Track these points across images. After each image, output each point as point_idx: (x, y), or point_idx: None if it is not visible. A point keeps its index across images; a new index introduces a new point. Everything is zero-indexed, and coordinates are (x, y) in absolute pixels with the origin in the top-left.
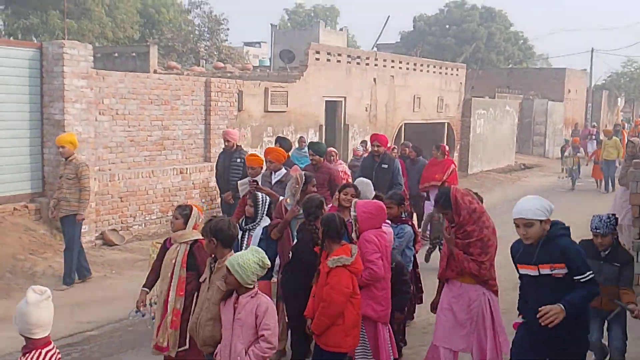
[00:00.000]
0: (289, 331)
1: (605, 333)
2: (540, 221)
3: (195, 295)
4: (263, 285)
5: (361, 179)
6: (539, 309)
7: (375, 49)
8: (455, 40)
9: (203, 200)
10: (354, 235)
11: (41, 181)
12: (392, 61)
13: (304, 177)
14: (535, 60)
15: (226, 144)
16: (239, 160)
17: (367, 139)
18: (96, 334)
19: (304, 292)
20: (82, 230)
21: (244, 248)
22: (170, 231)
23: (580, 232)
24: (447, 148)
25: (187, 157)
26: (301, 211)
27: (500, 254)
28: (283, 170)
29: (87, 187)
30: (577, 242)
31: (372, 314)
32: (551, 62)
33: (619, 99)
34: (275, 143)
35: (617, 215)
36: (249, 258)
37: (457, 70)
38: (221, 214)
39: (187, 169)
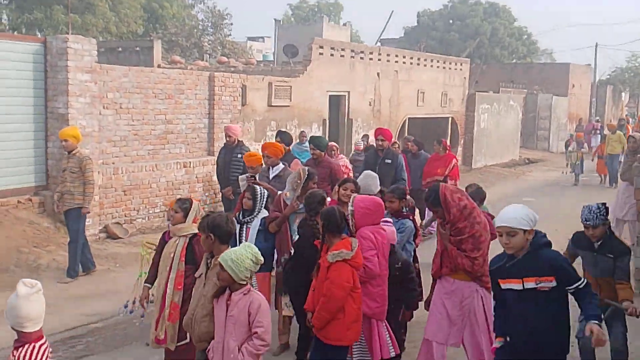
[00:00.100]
0: (291, 325)
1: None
2: (524, 231)
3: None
4: (262, 278)
5: (368, 172)
6: (590, 331)
7: (379, 43)
8: (459, 36)
9: (206, 194)
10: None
11: (45, 174)
12: (396, 56)
13: (306, 173)
14: (539, 55)
15: (227, 139)
16: (239, 155)
17: (371, 133)
18: (100, 326)
19: (306, 288)
20: (86, 224)
21: (243, 241)
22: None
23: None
24: (448, 143)
25: (190, 151)
26: (300, 206)
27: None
28: (281, 165)
29: (91, 180)
30: (571, 235)
31: (367, 310)
32: (555, 57)
33: (623, 94)
34: (276, 137)
35: (620, 211)
36: (242, 254)
37: (461, 65)
38: (223, 208)
39: (190, 162)
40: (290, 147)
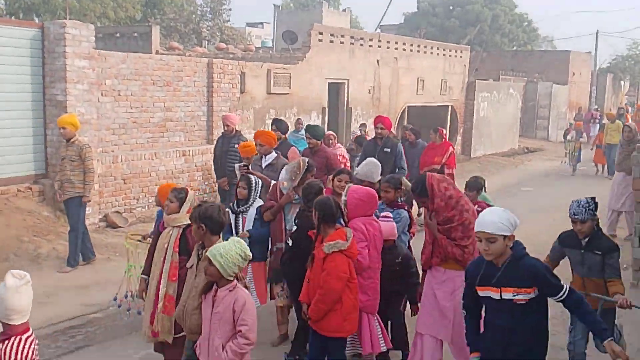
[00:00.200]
0: (289, 315)
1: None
2: (504, 237)
3: None
4: (257, 267)
5: (371, 159)
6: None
7: (378, 30)
8: (459, 22)
9: (206, 183)
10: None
11: (44, 162)
12: (396, 43)
13: (306, 164)
14: (540, 42)
15: (225, 128)
16: (236, 145)
17: (370, 122)
18: (100, 316)
19: (303, 279)
20: (86, 213)
21: (239, 230)
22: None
23: None
24: (444, 131)
25: (189, 139)
26: (296, 197)
27: None
28: (274, 154)
29: (91, 168)
30: (558, 235)
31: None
32: (556, 45)
33: (622, 82)
34: (272, 125)
35: (617, 202)
36: (230, 248)
37: (461, 52)
38: (219, 198)
39: (189, 151)
40: (287, 135)
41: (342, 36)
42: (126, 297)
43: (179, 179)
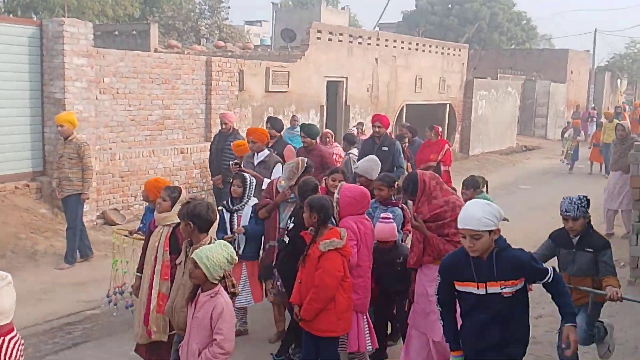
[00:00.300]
0: (286, 312)
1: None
2: (490, 232)
3: None
4: (251, 265)
5: (371, 156)
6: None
7: (377, 28)
8: (457, 20)
9: (203, 181)
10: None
11: (42, 160)
12: (394, 41)
13: (305, 165)
14: (538, 41)
15: (223, 126)
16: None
17: (368, 120)
18: (97, 312)
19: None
20: (84, 210)
21: (235, 228)
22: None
23: None
24: (440, 129)
25: (187, 137)
26: (292, 195)
27: None
28: (266, 151)
29: (89, 166)
30: (550, 234)
31: None
32: (554, 43)
33: (619, 81)
34: (266, 123)
35: (613, 202)
36: (217, 251)
37: (460, 50)
38: (214, 196)
39: (187, 148)
40: (282, 133)
41: (341, 34)
42: (115, 293)
43: (177, 176)
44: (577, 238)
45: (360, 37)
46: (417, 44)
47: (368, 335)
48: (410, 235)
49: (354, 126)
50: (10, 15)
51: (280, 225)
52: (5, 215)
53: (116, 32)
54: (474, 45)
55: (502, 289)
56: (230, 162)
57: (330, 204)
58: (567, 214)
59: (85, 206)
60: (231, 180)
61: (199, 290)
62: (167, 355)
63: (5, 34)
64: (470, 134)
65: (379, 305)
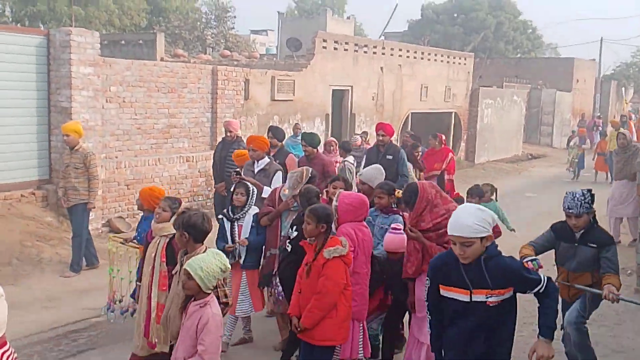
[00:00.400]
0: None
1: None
2: (481, 238)
3: None
4: (251, 274)
5: (375, 165)
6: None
7: (382, 37)
8: (463, 29)
9: (209, 189)
10: (333, 226)
11: (48, 168)
12: (400, 50)
13: (309, 174)
14: (544, 49)
15: (228, 134)
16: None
17: (374, 128)
18: (102, 320)
19: None
20: (89, 218)
21: (236, 238)
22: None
23: None
24: (444, 137)
25: (193, 145)
26: (295, 204)
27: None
28: (266, 159)
29: (96, 176)
30: (551, 225)
31: None
32: (560, 52)
33: (623, 89)
34: (268, 132)
35: (619, 211)
36: (211, 262)
37: (465, 59)
38: (214, 205)
39: (193, 157)
40: (284, 141)
41: (346, 43)
42: (114, 301)
43: (182, 184)
44: (581, 232)
45: (366, 46)
46: (422, 53)
47: (361, 342)
48: None
49: (356, 134)
50: (18, 25)
51: (283, 234)
52: (12, 223)
53: (123, 42)
54: (480, 54)
55: (487, 297)
56: (232, 172)
57: (332, 212)
58: (570, 211)
59: (90, 214)
60: (232, 189)
61: (191, 300)
62: None
63: (13, 43)
64: (476, 143)
65: (389, 316)
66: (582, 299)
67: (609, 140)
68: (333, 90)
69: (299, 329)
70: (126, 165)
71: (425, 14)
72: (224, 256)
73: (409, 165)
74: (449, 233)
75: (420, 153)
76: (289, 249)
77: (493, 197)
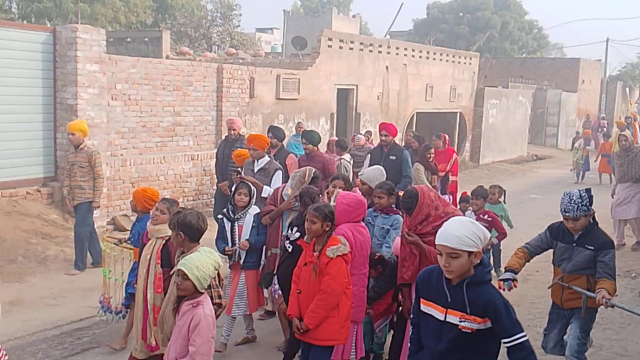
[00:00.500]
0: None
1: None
2: (469, 253)
3: None
4: (250, 274)
5: (376, 166)
6: None
7: (388, 36)
8: (469, 29)
9: (214, 187)
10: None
11: (54, 165)
12: (405, 49)
13: (312, 174)
14: (550, 49)
15: (231, 132)
16: (239, 150)
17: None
18: (107, 318)
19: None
20: (94, 216)
21: (236, 238)
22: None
23: None
24: (447, 138)
25: (198, 144)
26: (297, 204)
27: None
28: (266, 158)
29: (101, 175)
30: (548, 226)
31: None
32: (566, 52)
33: (627, 89)
34: (268, 132)
35: (624, 212)
36: (206, 261)
37: (471, 59)
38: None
39: (198, 155)
40: (287, 140)
41: (352, 42)
42: (104, 302)
43: (187, 182)
44: (580, 233)
45: (371, 45)
46: (428, 52)
47: (354, 344)
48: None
49: (359, 133)
50: (24, 21)
51: (283, 233)
52: (17, 221)
53: (128, 39)
54: (485, 54)
55: (460, 321)
56: (232, 172)
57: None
58: (567, 214)
59: (95, 212)
60: (234, 189)
61: (183, 299)
62: None
63: (19, 40)
64: (481, 143)
65: (399, 321)
66: (578, 321)
67: (613, 141)
68: (338, 89)
69: (301, 331)
70: (131, 163)
71: (430, 13)
72: (216, 253)
73: (421, 168)
74: (436, 242)
75: (432, 155)
76: (289, 249)
77: (501, 200)
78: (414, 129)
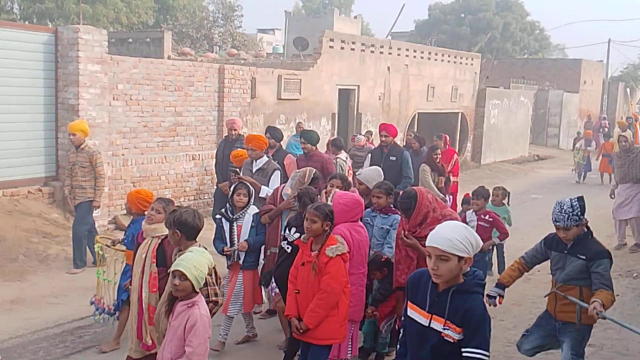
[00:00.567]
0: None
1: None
2: (460, 257)
3: None
4: (247, 274)
5: (375, 167)
6: None
7: (389, 37)
8: (470, 30)
9: (215, 187)
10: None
11: (55, 165)
12: (407, 50)
13: (312, 175)
14: (551, 50)
15: (232, 132)
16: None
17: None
18: (108, 316)
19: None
20: (95, 215)
21: (234, 239)
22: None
23: None
24: (448, 138)
25: (199, 144)
26: (296, 204)
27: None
28: (265, 158)
29: (102, 174)
30: (544, 237)
31: None
32: (567, 53)
33: (628, 90)
34: (266, 133)
35: (625, 213)
36: (202, 261)
37: (472, 59)
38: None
39: (199, 155)
40: (287, 140)
41: (353, 43)
42: (97, 309)
43: (189, 182)
44: (572, 242)
45: (373, 45)
46: (429, 53)
47: (350, 343)
48: None
49: (360, 133)
50: (26, 22)
51: (282, 233)
52: (18, 220)
53: (130, 40)
54: (487, 55)
55: (443, 329)
56: (231, 172)
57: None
58: (557, 223)
59: (96, 212)
60: (233, 189)
61: (177, 300)
62: None
63: (21, 40)
64: (483, 143)
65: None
66: (570, 341)
67: (615, 141)
68: (339, 90)
69: (301, 331)
70: (132, 162)
71: (432, 14)
72: (207, 252)
73: (427, 169)
74: (426, 244)
75: (438, 155)
76: (288, 249)
77: (505, 201)
78: (416, 130)
